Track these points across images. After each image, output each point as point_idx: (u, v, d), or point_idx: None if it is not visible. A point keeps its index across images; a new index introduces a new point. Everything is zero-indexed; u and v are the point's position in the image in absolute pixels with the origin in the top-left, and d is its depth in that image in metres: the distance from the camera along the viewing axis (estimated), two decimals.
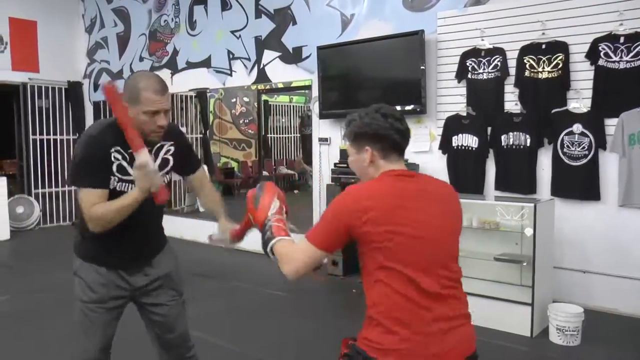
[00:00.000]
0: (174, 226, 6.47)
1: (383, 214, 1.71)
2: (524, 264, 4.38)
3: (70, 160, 2.46)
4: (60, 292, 4.36)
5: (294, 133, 14.07)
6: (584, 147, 4.64)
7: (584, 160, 4.65)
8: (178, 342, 2.62)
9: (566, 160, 4.73)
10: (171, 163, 2.42)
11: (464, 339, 1.79)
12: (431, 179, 2.02)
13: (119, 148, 2.21)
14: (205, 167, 2.71)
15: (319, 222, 1.80)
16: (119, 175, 2.23)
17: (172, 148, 2.40)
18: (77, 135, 9.63)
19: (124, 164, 2.22)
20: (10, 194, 8.65)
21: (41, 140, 9.35)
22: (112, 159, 2.20)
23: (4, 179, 8.50)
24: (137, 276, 2.43)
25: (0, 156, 10.91)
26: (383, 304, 1.71)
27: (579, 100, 4.66)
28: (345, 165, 5.56)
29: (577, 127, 4.65)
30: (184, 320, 2.64)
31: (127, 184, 2.24)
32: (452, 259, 1.89)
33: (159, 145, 2.35)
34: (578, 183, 4.70)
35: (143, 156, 2.11)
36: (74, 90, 9.73)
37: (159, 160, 2.35)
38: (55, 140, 9.52)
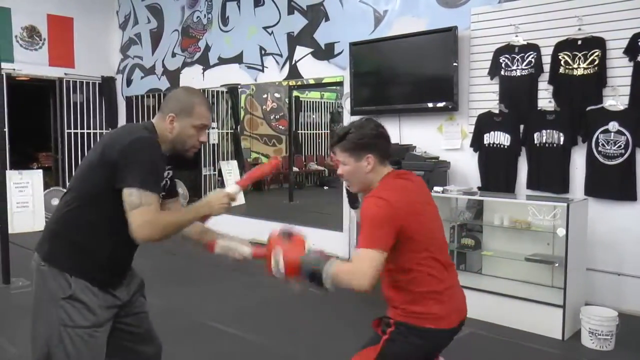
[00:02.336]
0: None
1: (410, 211, 2.06)
2: (556, 265, 4.30)
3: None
4: None
5: (324, 129, 14.06)
6: (620, 146, 4.52)
7: (620, 160, 4.53)
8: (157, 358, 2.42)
9: (601, 159, 4.62)
10: (167, 186, 2.32)
11: (463, 301, 2.25)
12: (411, 173, 2.32)
13: (165, 166, 2.20)
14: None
15: (367, 231, 1.99)
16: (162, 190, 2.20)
17: (171, 172, 2.32)
18: (110, 129, 9.78)
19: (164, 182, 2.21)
20: (46, 186, 8.83)
21: (75, 134, 9.54)
22: (165, 176, 2.21)
23: (40, 171, 8.70)
24: (121, 290, 2.22)
25: (37, 149, 11.14)
26: (420, 283, 2.07)
27: (616, 98, 4.55)
28: None
29: (613, 125, 4.54)
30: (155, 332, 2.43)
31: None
32: (444, 236, 2.31)
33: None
34: (613, 183, 4.59)
35: (240, 192, 2.25)
36: (107, 85, 9.88)
37: (166, 184, 2.29)
38: (89, 134, 9.69)
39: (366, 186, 2.18)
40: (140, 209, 1.94)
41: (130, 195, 1.94)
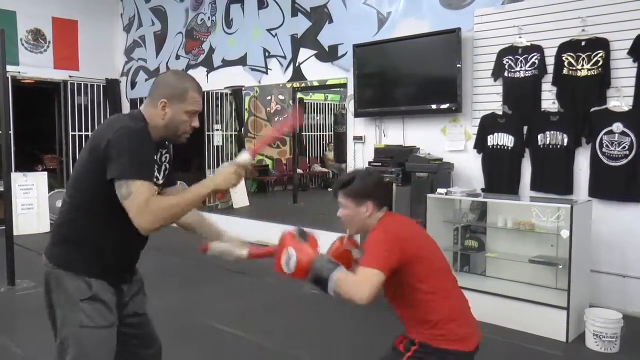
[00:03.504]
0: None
1: (416, 237, 2.27)
2: (560, 267, 4.29)
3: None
4: None
5: (328, 131, 14.07)
6: (624, 147, 4.51)
7: (625, 161, 4.52)
8: None
9: (605, 161, 4.61)
10: (167, 172, 2.29)
11: (477, 324, 2.32)
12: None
13: (155, 149, 2.14)
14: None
15: (371, 251, 2.11)
16: (157, 176, 2.16)
17: (168, 156, 2.29)
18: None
19: (156, 167, 2.16)
20: (51, 188, 8.86)
21: (80, 137, 9.57)
22: (156, 160, 2.15)
23: (45, 174, 8.74)
24: (127, 288, 2.22)
25: (42, 152, 11.18)
26: (439, 307, 2.18)
27: (620, 99, 4.54)
28: (379, 164, 5.53)
29: (617, 127, 4.53)
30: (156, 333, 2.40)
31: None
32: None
33: (159, 151, 2.22)
34: (618, 184, 4.57)
35: (251, 160, 2.14)
36: (111, 88, 9.92)
37: (163, 167, 2.24)
38: None
39: (363, 228, 2.33)
40: (131, 199, 1.90)
41: (121, 188, 1.91)
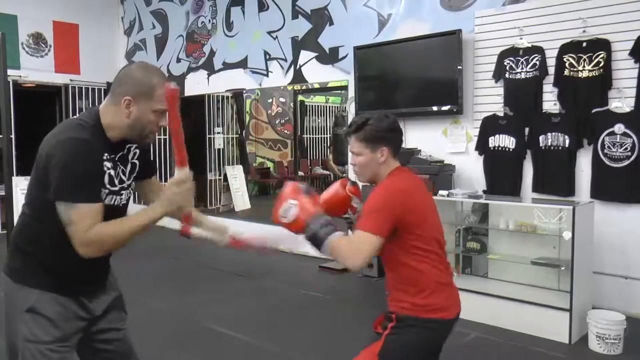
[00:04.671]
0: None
1: (416, 202, 2.16)
2: (562, 268, 4.27)
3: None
4: None
5: (329, 133, 14.06)
6: (626, 148, 4.50)
7: (626, 162, 4.51)
8: None
9: (607, 162, 4.59)
10: (137, 168, 2.12)
11: (458, 296, 2.28)
12: (413, 173, 2.39)
13: (106, 154, 1.93)
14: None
15: (369, 214, 2.06)
16: (109, 187, 1.95)
17: (138, 151, 2.11)
18: None
19: (112, 172, 1.95)
20: None
21: None
22: (104, 167, 1.92)
23: None
24: (95, 302, 2.06)
25: None
26: (427, 272, 2.13)
27: (622, 100, 4.53)
28: None
29: (619, 128, 4.52)
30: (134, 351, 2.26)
31: (114, 197, 1.98)
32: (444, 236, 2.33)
33: (127, 148, 2.05)
34: (619, 185, 4.56)
35: (186, 170, 1.94)
36: None
37: (129, 166, 2.07)
38: None
39: (375, 177, 2.24)
40: (71, 228, 1.79)
41: (61, 211, 1.80)
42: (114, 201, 1.98)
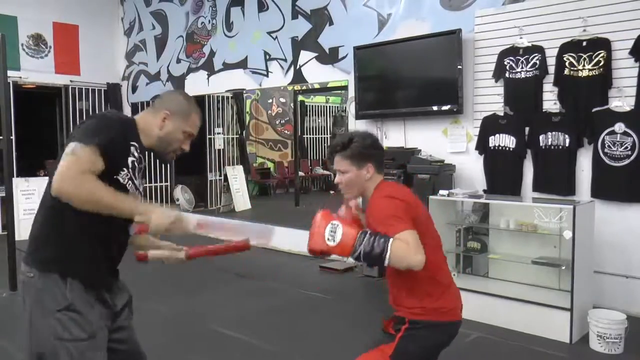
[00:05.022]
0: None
1: (417, 207, 2.22)
2: (563, 267, 4.27)
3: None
4: None
5: (330, 133, 14.07)
6: (626, 147, 4.50)
7: (627, 161, 4.50)
8: None
9: (607, 161, 4.59)
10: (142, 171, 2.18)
11: (460, 296, 2.34)
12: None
13: (136, 145, 2.02)
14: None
15: (392, 219, 2.07)
16: (130, 172, 2.00)
17: (144, 164, 2.17)
18: None
19: (136, 163, 2.02)
20: None
21: None
22: (130, 151, 1.99)
23: (47, 179, 8.69)
24: (114, 296, 2.09)
25: (44, 157, 11.19)
26: (435, 276, 2.20)
27: (622, 99, 4.52)
28: None
29: (619, 127, 4.52)
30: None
31: (130, 182, 2.02)
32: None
33: (140, 157, 2.09)
34: (620, 184, 4.55)
35: (192, 226, 2.00)
36: (112, 92, 9.93)
37: (140, 174, 2.11)
38: None
39: (362, 193, 2.31)
40: (66, 159, 1.79)
41: (67, 148, 1.83)
42: (130, 187, 2.02)
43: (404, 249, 1.99)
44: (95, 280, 2.00)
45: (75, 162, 1.79)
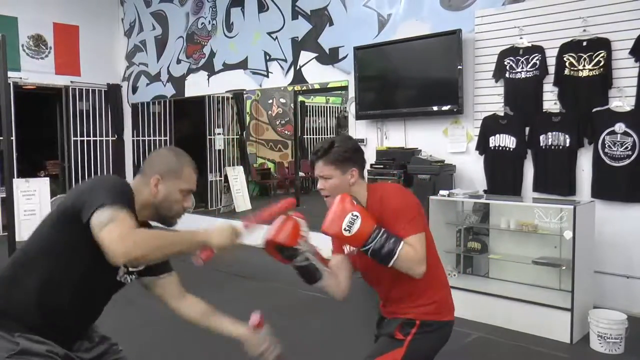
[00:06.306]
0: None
1: (420, 208, 2.19)
2: (563, 267, 4.27)
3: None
4: None
5: (330, 134, 14.07)
6: (627, 147, 4.49)
7: (627, 161, 4.50)
8: None
9: (607, 161, 4.59)
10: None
11: None
12: None
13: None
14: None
15: (408, 219, 2.08)
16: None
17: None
18: (116, 136, 9.82)
19: None
20: (53, 193, 8.85)
21: (82, 142, 9.58)
22: None
23: (47, 179, 8.74)
24: (81, 352, 2.00)
25: (44, 157, 11.20)
26: (437, 273, 2.23)
27: (622, 99, 4.52)
28: (381, 166, 5.53)
29: (619, 127, 4.51)
30: None
31: (126, 275, 2.02)
32: None
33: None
34: (621, 184, 4.55)
35: (245, 228, 1.95)
36: (113, 93, 9.91)
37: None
38: (95, 142, 9.73)
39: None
40: (110, 225, 1.67)
41: (100, 216, 1.69)
42: (124, 279, 2.01)
43: (411, 256, 2.02)
44: (53, 336, 1.86)
45: (121, 226, 1.68)
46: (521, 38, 5.04)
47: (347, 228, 2.02)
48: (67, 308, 1.86)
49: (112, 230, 1.66)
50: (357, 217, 2.02)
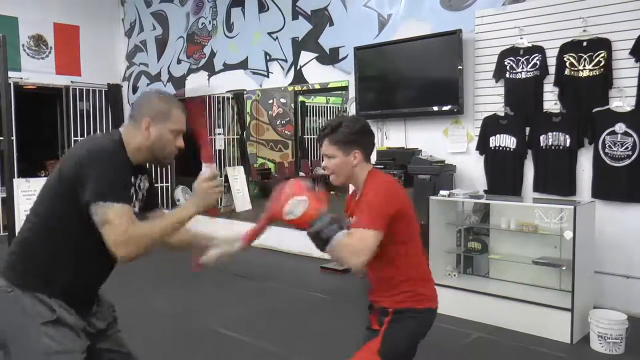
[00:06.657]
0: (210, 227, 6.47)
1: (404, 200, 2.21)
2: (564, 268, 4.27)
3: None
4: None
5: None
6: (627, 148, 4.49)
7: (628, 161, 4.50)
8: None
9: (608, 161, 4.59)
10: (144, 198, 2.17)
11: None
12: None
13: (131, 175, 2.04)
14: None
15: (369, 210, 2.08)
16: (134, 203, 2.05)
17: (147, 183, 2.18)
18: None
19: (132, 189, 2.05)
20: None
21: None
22: (131, 183, 2.04)
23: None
24: (96, 317, 2.09)
25: (45, 157, 11.21)
26: (414, 262, 2.24)
27: (622, 99, 4.52)
28: (381, 166, 5.52)
29: (619, 127, 4.51)
30: None
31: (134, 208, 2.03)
32: None
33: (139, 177, 2.12)
34: (621, 184, 4.55)
35: (214, 167, 2.06)
36: (113, 93, 9.92)
37: (139, 194, 2.12)
38: None
39: (350, 179, 2.29)
40: (108, 227, 1.79)
41: (96, 213, 1.80)
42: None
43: (348, 247, 1.98)
44: (74, 303, 1.96)
45: (122, 226, 1.80)
46: (521, 38, 5.04)
47: (290, 212, 2.02)
48: (82, 269, 1.96)
49: (110, 234, 1.80)
50: (303, 201, 2.01)
